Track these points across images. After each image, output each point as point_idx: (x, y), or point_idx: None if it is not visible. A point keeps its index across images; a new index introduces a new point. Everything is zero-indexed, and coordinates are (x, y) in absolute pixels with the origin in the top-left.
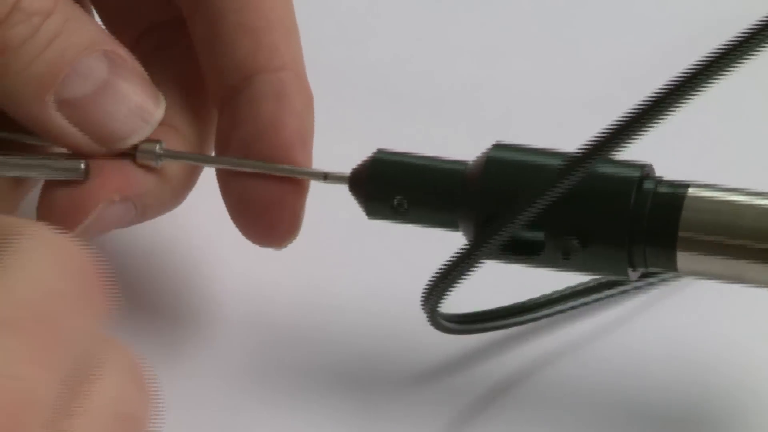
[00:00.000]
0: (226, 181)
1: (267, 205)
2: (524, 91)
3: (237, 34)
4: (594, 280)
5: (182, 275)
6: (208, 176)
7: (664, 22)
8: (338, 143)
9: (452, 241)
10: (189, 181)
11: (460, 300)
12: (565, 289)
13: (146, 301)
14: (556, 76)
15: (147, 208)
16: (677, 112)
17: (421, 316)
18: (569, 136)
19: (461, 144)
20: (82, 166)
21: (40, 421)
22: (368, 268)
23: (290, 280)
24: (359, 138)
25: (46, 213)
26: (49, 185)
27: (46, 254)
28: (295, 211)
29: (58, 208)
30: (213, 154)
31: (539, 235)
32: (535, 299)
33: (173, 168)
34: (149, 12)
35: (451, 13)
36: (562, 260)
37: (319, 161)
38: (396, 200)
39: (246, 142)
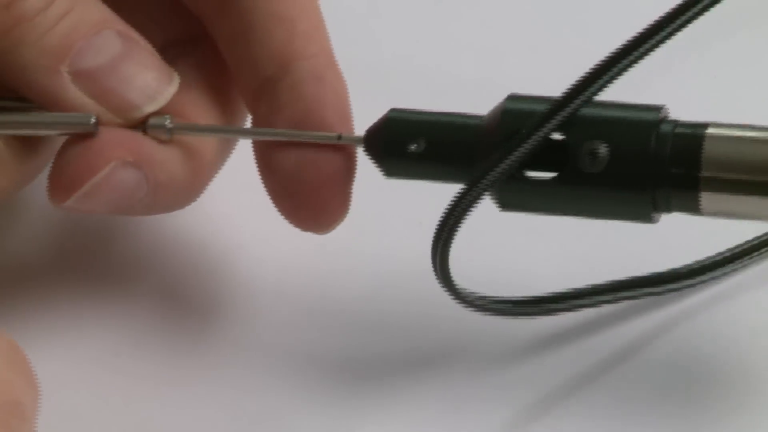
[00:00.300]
0: (266, 160)
1: (317, 185)
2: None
3: (271, 23)
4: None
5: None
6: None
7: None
8: None
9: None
10: (202, 166)
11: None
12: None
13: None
14: (557, 75)
15: (159, 186)
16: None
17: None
18: None
19: None
20: (93, 119)
21: None
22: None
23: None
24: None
25: (57, 171)
26: (64, 147)
27: None
28: (345, 192)
29: (69, 165)
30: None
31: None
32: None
33: (190, 148)
34: (167, 29)
35: (451, 11)
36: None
37: None
38: (413, 147)
39: (291, 126)
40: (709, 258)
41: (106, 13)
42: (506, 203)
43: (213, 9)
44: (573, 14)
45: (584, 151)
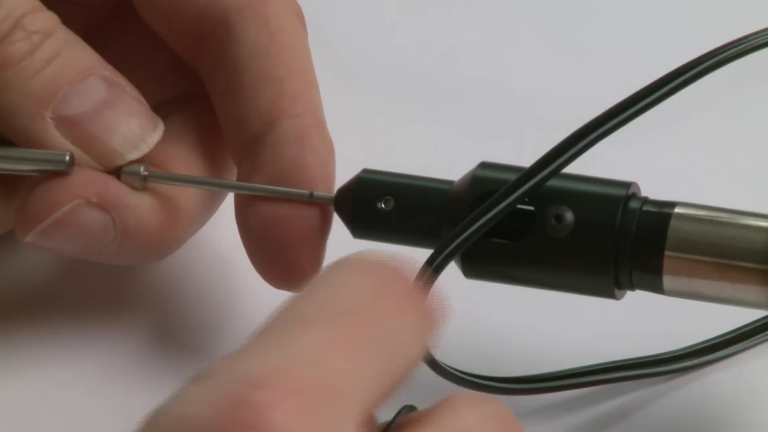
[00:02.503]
0: (242, 215)
1: (287, 242)
2: (528, 89)
3: (259, 82)
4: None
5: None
6: None
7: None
8: (341, 143)
9: None
10: (177, 218)
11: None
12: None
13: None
14: (559, 75)
15: (127, 233)
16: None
17: None
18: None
19: (464, 145)
20: (67, 157)
21: (351, 409)
22: None
23: None
24: (362, 138)
25: (23, 205)
26: (35, 182)
27: (367, 272)
28: (317, 251)
29: (34, 199)
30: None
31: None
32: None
33: (166, 198)
34: (167, 85)
35: (455, 12)
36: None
37: None
38: (381, 205)
39: (269, 184)
40: (703, 342)
41: (93, 59)
42: (471, 268)
43: (208, 66)
44: (573, 14)
45: (551, 214)
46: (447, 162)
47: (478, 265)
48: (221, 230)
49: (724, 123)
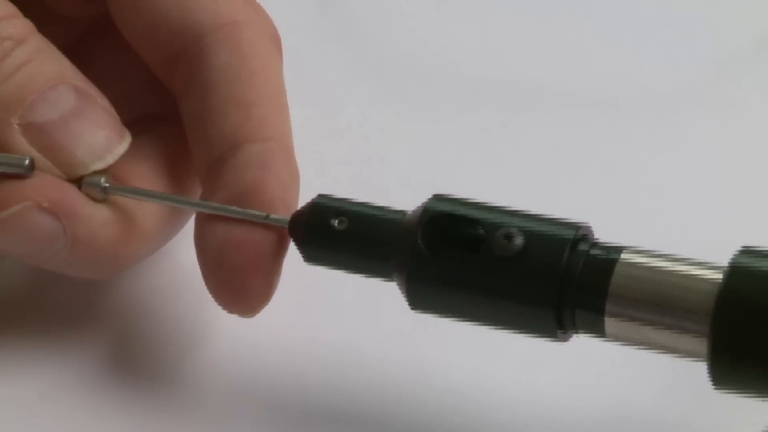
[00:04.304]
0: (200, 241)
1: (238, 266)
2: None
3: (227, 106)
4: None
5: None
6: None
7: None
8: (343, 144)
9: None
10: (134, 233)
11: None
12: None
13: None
14: (560, 73)
15: (78, 243)
16: None
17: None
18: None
19: (464, 146)
20: (27, 161)
21: None
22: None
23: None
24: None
25: None
26: None
27: None
28: (269, 277)
29: None
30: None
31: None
32: None
33: (124, 212)
34: (142, 103)
35: (453, 12)
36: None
37: (322, 162)
38: (334, 224)
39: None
40: None
41: (65, 68)
42: (418, 287)
43: (180, 86)
44: (573, 15)
45: (501, 233)
46: (446, 162)
47: (425, 283)
48: None
49: (721, 119)
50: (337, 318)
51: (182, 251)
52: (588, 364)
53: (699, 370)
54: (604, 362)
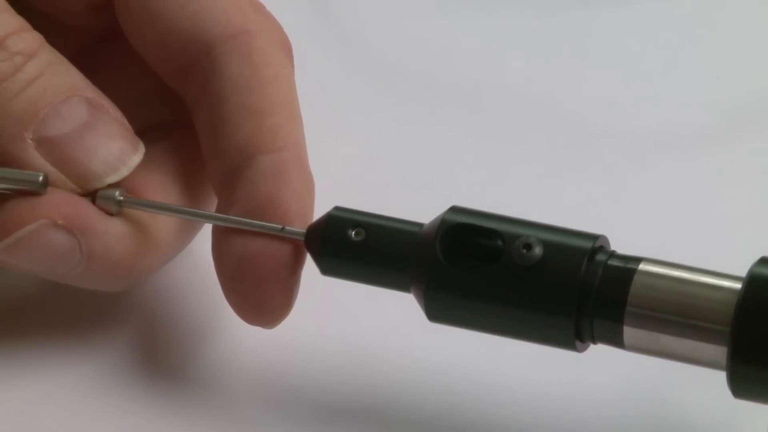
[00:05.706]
0: (219, 255)
1: (258, 279)
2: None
3: (240, 115)
4: None
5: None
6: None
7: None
8: (343, 144)
9: None
10: (149, 245)
11: None
12: None
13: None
14: (560, 77)
15: (94, 257)
16: None
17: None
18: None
19: (466, 146)
20: (41, 178)
21: None
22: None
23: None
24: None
25: None
26: (5, 200)
27: None
28: (288, 288)
29: (0, 216)
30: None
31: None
32: None
33: (139, 225)
34: (154, 111)
35: (456, 13)
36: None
37: (321, 163)
38: (351, 235)
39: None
40: None
41: (76, 80)
42: (437, 296)
43: (192, 96)
44: (574, 14)
45: (520, 242)
46: (448, 164)
47: (443, 294)
48: None
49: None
50: (338, 318)
51: (188, 255)
52: (588, 363)
53: (699, 369)
54: (604, 362)
